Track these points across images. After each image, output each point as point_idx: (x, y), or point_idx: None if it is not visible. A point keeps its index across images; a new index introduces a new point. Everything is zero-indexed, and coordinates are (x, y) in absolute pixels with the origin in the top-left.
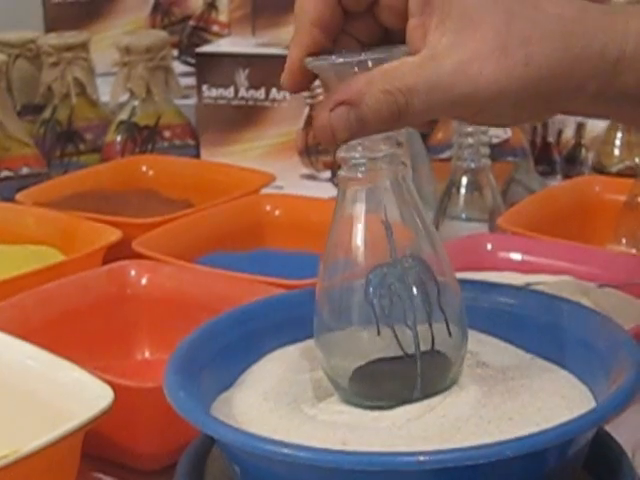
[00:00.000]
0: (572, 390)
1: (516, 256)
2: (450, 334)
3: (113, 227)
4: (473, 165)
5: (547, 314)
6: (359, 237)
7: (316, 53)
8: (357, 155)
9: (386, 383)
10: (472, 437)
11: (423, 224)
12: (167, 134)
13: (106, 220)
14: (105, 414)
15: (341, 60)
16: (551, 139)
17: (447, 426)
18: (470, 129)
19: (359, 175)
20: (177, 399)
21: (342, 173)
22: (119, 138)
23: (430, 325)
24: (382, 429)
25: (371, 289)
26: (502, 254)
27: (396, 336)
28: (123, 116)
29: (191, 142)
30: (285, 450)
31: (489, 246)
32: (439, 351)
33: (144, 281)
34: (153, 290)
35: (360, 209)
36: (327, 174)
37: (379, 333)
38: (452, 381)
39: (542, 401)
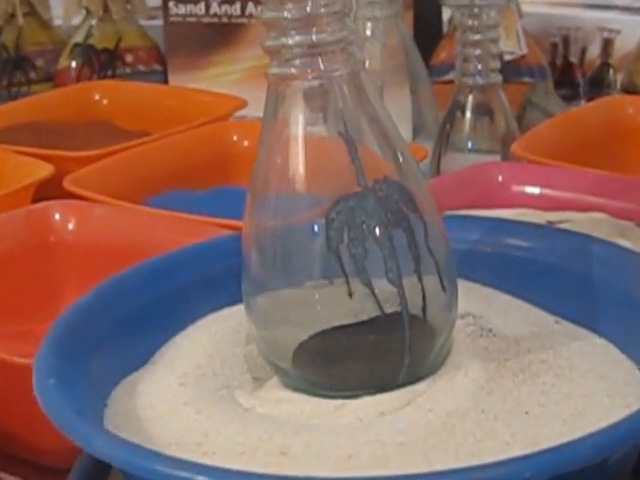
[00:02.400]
0: (613, 367)
1: (534, 189)
2: (444, 289)
3: (45, 162)
4: (481, 81)
5: (577, 261)
6: (306, 158)
7: None
8: (290, 42)
9: (350, 363)
10: (471, 442)
11: (392, 140)
12: (129, 58)
13: (37, 154)
14: None
15: None
16: (574, 59)
17: (435, 425)
18: (477, 37)
19: (293, 71)
20: (43, 390)
21: (272, 70)
22: (74, 63)
23: (420, 278)
24: (341, 429)
25: (333, 232)
26: (517, 187)
27: (374, 294)
28: (78, 38)
29: (158, 67)
30: (179, 474)
31: (500, 177)
32: (425, 315)
33: (71, 226)
34: (82, 237)
35: (304, 118)
36: None
37: (350, 294)
38: (439, 357)
39: (571, 384)
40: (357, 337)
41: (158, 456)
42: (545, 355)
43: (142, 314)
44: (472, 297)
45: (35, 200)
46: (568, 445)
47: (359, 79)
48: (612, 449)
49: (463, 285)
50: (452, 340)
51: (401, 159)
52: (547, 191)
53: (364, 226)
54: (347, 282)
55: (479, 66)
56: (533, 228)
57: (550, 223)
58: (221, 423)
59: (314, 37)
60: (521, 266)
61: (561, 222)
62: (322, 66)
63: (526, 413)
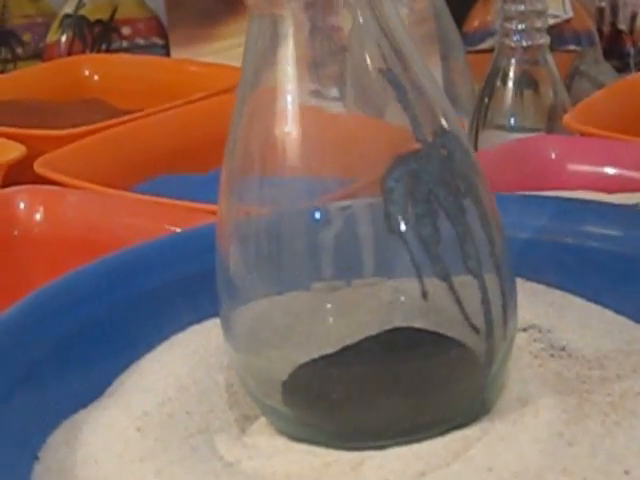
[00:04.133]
0: None
1: (595, 167)
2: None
3: (16, 142)
4: (524, 43)
5: None
6: (308, 125)
7: None
8: None
9: (370, 400)
10: None
11: (426, 86)
12: (127, 31)
13: (9, 133)
14: None
15: None
16: (622, 26)
17: None
18: None
19: None
20: None
21: None
22: (64, 37)
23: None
24: None
25: (394, 207)
26: (573, 165)
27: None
28: (68, 9)
29: (158, 41)
30: None
31: (553, 154)
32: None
33: (38, 216)
34: (52, 229)
35: (303, 62)
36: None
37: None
38: (494, 388)
39: None
40: (381, 362)
41: None
42: None
43: (95, 329)
44: (537, 304)
45: (5, 186)
46: None
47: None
48: None
49: (524, 287)
50: (514, 363)
51: (442, 112)
52: (610, 169)
53: (431, 197)
54: (420, 279)
55: (522, 25)
56: (617, 210)
57: None
58: None
59: None
60: (602, 262)
61: (635, 207)
62: None
63: (626, 473)
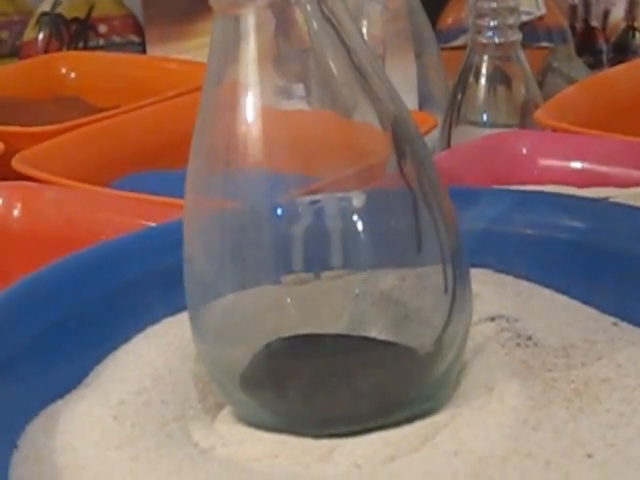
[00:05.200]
0: None
1: (565, 162)
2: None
3: None
4: (497, 40)
5: (634, 244)
6: (269, 123)
7: None
8: None
9: (335, 385)
10: None
11: (375, 87)
12: (103, 29)
13: None
14: None
15: None
16: (595, 22)
17: (463, 475)
18: None
19: None
20: None
21: None
22: (41, 35)
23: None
24: None
25: None
26: (544, 160)
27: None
28: (45, 7)
29: (135, 38)
30: None
31: (524, 149)
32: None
33: (16, 212)
34: (29, 225)
35: (264, 61)
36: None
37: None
38: (451, 376)
39: None
40: (342, 347)
41: None
42: (606, 371)
43: (72, 322)
44: (505, 294)
45: None
46: None
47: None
48: None
49: (492, 278)
50: (481, 351)
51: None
52: (581, 164)
53: None
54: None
55: (495, 22)
56: (583, 202)
57: None
58: (166, 476)
59: None
60: (568, 252)
61: (602, 199)
62: None
63: (588, 456)
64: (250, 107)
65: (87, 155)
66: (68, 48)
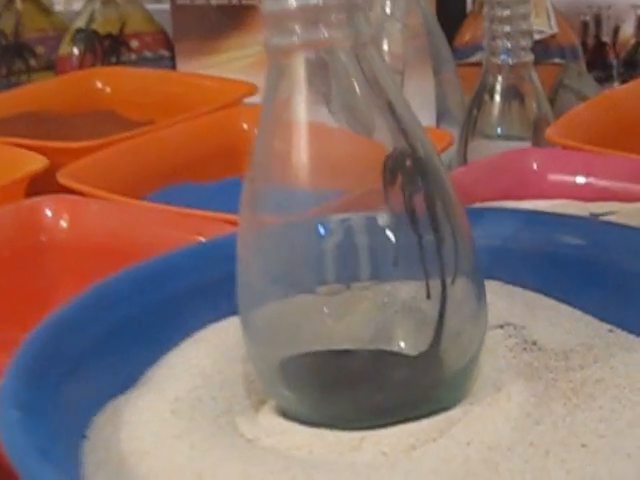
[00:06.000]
0: None
1: (573, 178)
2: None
3: (39, 154)
4: (510, 61)
5: (632, 260)
6: (310, 145)
7: None
8: (291, 5)
9: (365, 388)
10: None
11: (407, 126)
12: (135, 44)
13: (31, 145)
14: None
15: None
16: (606, 38)
17: (475, 462)
18: (506, 13)
19: (295, 40)
20: (5, 425)
21: (271, 41)
22: (75, 50)
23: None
24: (362, 466)
25: None
26: (553, 176)
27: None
28: (80, 23)
29: (165, 53)
30: None
31: (535, 165)
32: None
33: (64, 224)
34: (76, 235)
35: (307, 99)
36: None
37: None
38: (470, 377)
39: (633, 409)
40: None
41: None
42: (600, 372)
43: (129, 328)
44: (513, 303)
45: (29, 196)
46: None
47: (366, 52)
48: None
49: (502, 290)
50: (491, 354)
51: (420, 149)
52: (587, 179)
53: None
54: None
55: (508, 44)
56: (584, 222)
57: (594, 215)
58: (219, 460)
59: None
60: (570, 266)
61: (605, 214)
62: (325, 34)
63: (583, 446)
64: (295, 131)
65: (126, 168)
66: (101, 63)
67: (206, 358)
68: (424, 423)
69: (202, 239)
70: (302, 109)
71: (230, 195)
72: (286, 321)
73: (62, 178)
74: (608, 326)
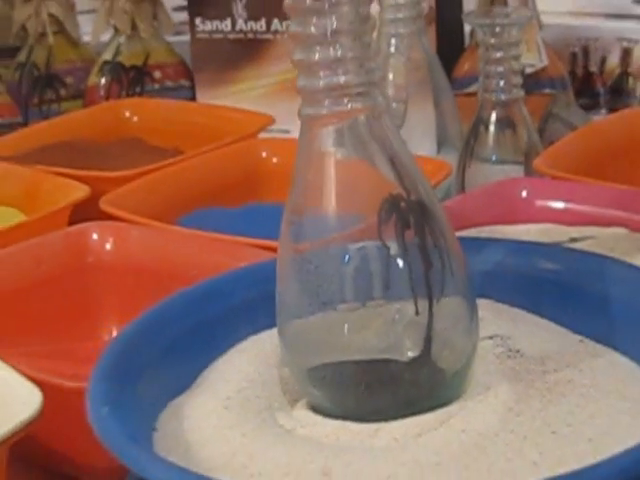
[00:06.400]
0: (635, 386)
1: (557, 204)
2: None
3: (81, 183)
4: (503, 97)
5: (600, 282)
6: (336, 183)
7: None
8: (320, 83)
9: (380, 392)
10: (501, 461)
11: (412, 174)
12: (158, 75)
13: (73, 174)
14: (32, 424)
15: None
16: (594, 68)
17: (468, 446)
18: (499, 55)
19: (323, 111)
20: (98, 418)
21: (304, 111)
22: (103, 81)
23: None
24: (379, 450)
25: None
26: (540, 202)
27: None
28: (107, 56)
29: (185, 83)
30: None
31: (524, 193)
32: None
33: (108, 247)
34: (119, 257)
35: (334, 150)
36: None
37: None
38: (466, 379)
39: (595, 403)
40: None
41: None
42: (570, 375)
43: (186, 340)
44: (500, 318)
45: (71, 219)
46: (596, 466)
47: (383, 120)
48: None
49: (492, 307)
50: (482, 361)
51: (422, 191)
52: (570, 206)
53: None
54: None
55: (501, 83)
56: (558, 250)
57: (574, 239)
58: (265, 445)
59: (341, 79)
60: (547, 287)
61: (585, 238)
62: (348, 106)
63: (553, 433)
64: (322, 173)
65: (159, 195)
66: (127, 92)
67: (248, 365)
68: (428, 416)
69: (232, 261)
70: (330, 158)
71: (251, 219)
72: (314, 334)
73: (104, 205)
74: (579, 337)
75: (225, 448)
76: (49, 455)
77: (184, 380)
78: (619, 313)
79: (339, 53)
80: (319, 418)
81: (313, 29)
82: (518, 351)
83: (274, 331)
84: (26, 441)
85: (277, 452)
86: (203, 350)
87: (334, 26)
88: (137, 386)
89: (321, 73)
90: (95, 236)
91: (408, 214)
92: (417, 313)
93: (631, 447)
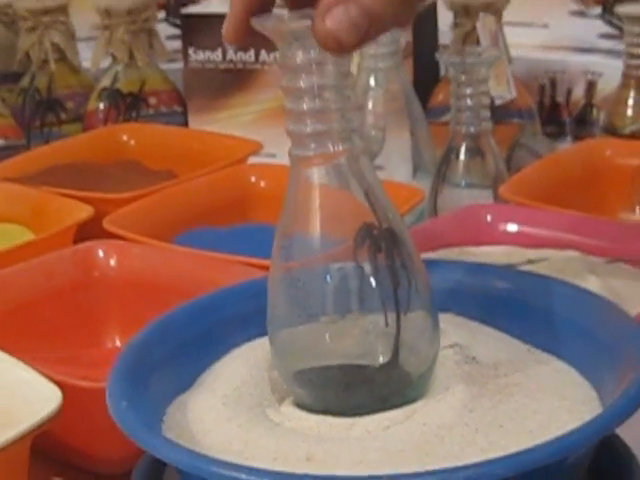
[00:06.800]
0: (574, 389)
1: (517, 228)
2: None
3: (84, 203)
4: (473, 129)
5: (545, 299)
6: (320, 211)
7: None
8: (308, 129)
9: (356, 392)
10: (456, 449)
11: (384, 204)
12: (153, 101)
13: (77, 196)
14: (52, 419)
15: (296, 16)
16: (560, 99)
17: (428, 436)
18: (469, 90)
19: (310, 153)
20: (119, 410)
21: (293, 152)
22: (101, 106)
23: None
24: (354, 440)
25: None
26: (502, 226)
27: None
28: (105, 82)
29: (178, 109)
30: (230, 473)
31: (489, 217)
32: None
33: (113, 263)
34: (122, 273)
35: (319, 184)
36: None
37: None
38: (428, 381)
39: (538, 403)
40: (364, 371)
41: (215, 460)
42: (519, 378)
43: (188, 346)
44: (460, 330)
45: (75, 239)
46: (526, 451)
47: (360, 160)
48: (564, 453)
49: (452, 320)
50: (442, 366)
51: (392, 220)
52: (528, 229)
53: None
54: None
55: (471, 116)
56: (510, 272)
57: (531, 261)
58: (258, 435)
59: (325, 126)
60: (500, 303)
61: (540, 260)
62: (331, 149)
63: (500, 426)
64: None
65: (157, 216)
66: (123, 117)
67: (242, 368)
68: (396, 412)
69: (225, 277)
70: (316, 189)
71: (240, 239)
72: (300, 341)
73: (107, 225)
74: (527, 346)
75: (223, 437)
76: (62, 448)
77: (187, 380)
78: (561, 326)
79: (324, 104)
80: (303, 413)
81: (302, 83)
82: (474, 358)
83: (265, 339)
84: (42, 436)
85: (268, 441)
86: (203, 355)
87: (320, 82)
88: (148, 385)
89: (308, 121)
90: (101, 253)
91: (380, 240)
92: (387, 325)
93: (560, 435)
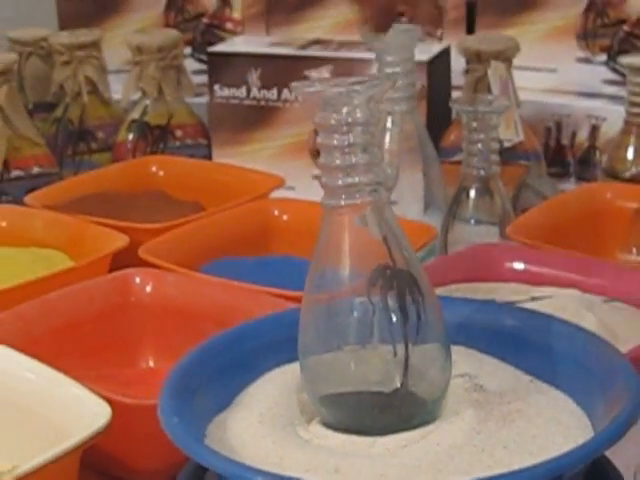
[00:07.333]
0: (569, 416)
1: (522, 267)
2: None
3: (120, 232)
4: (483, 173)
5: (547, 336)
6: (350, 246)
7: None
8: (339, 183)
9: (379, 417)
10: (465, 466)
11: (405, 246)
12: (179, 133)
13: (113, 225)
14: (102, 433)
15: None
16: (565, 141)
17: (441, 455)
18: (480, 136)
19: (342, 202)
20: (171, 426)
21: (325, 201)
22: (130, 137)
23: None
24: (375, 456)
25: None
26: (508, 265)
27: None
28: (135, 115)
29: (203, 141)
30: None
31: (495, 256)
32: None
33: (148, 289)
34: (157, 299)
35: (348, 226)
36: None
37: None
38: (440, 407)
39: (538, 428)
40: (381, 396)
41: (261, 470)
42: (521, 406)
43: (226, 370)
44: (470, 361)
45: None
46: (526, 469)
47: (384, 209)
48: (560, 471)
49: (463, 352)
50: (453, 393)
51: (407, 260)
52: (532, 269)
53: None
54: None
55: (481, 160)
56: (517, 309)
57: (534, 298)
58: (291, 450)
59: (355, 180)
60: (508, 338)
61: (543, 297)
62: (359, 201)
63: (504, 447)
64: (338, 244)
65: (187, 246)
66: (151, 149)
67: (274, 390)
68: (412, 432)
69: (252, 306)
70: (344, 233)
71: (262, 269)
72: (326, 368)
73: (143, 254)
74: (529, 377)
75: (260, 451)
76: (105, 460)
77: (225, 400)
78: (560, 360)
79: (354, 160)
80: (329, 432)
81: (335, 141)
82: (481, 386)
83: (293, 365)
84: (88, 448)
85: (300, 455)
86: (239, 378)
87: (351, 140)
88: (193, 403)
89: (340, 174)
90: (137, 280)
91: (392, 280)
92: (395, 355)
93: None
